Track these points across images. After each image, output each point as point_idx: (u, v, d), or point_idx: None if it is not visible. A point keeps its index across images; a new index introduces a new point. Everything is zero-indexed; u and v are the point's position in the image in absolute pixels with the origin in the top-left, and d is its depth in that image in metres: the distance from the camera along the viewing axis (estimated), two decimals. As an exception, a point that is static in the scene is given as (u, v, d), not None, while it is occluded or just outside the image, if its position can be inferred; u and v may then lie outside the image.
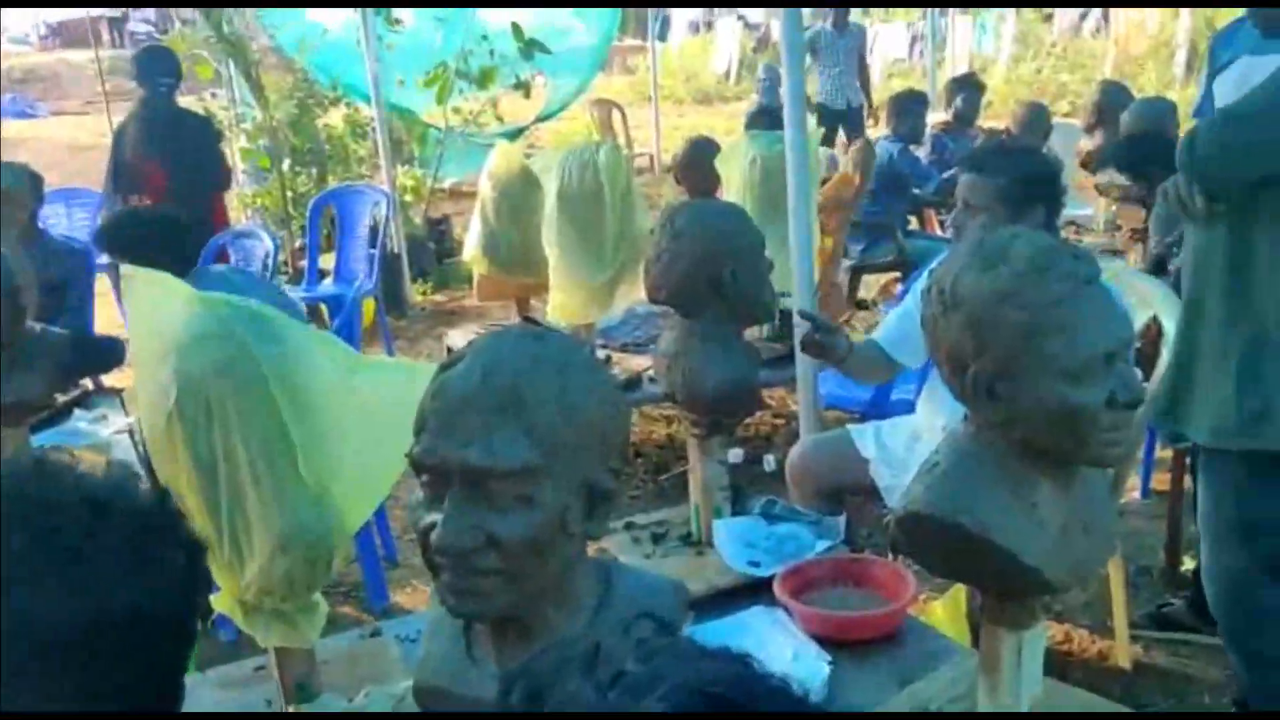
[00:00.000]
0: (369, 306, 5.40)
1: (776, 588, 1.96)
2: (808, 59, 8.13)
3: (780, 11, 3.05)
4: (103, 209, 5.23)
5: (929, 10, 9.13)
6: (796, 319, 2.97)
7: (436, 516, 1.09)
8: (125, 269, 1.80)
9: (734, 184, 3.93)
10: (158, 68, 5.02)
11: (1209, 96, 2.44)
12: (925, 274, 2.62)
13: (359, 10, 6.33)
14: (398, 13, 7.20)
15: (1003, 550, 1.37)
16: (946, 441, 1.47)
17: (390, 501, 3.30)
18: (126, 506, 0.88)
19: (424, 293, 6.87)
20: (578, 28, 9.29)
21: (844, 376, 3.53)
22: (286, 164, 6.62)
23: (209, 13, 6.32)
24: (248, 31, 6.89)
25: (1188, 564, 3.03)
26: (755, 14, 22.81)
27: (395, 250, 6.35)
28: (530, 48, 6.84)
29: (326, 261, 5.85)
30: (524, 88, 7.43)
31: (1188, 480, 2.88)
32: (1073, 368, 1.31)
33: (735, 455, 2.86)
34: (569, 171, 3.51)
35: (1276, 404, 1.95)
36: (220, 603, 1.82)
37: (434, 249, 7.23)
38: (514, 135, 8.22)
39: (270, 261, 4.39)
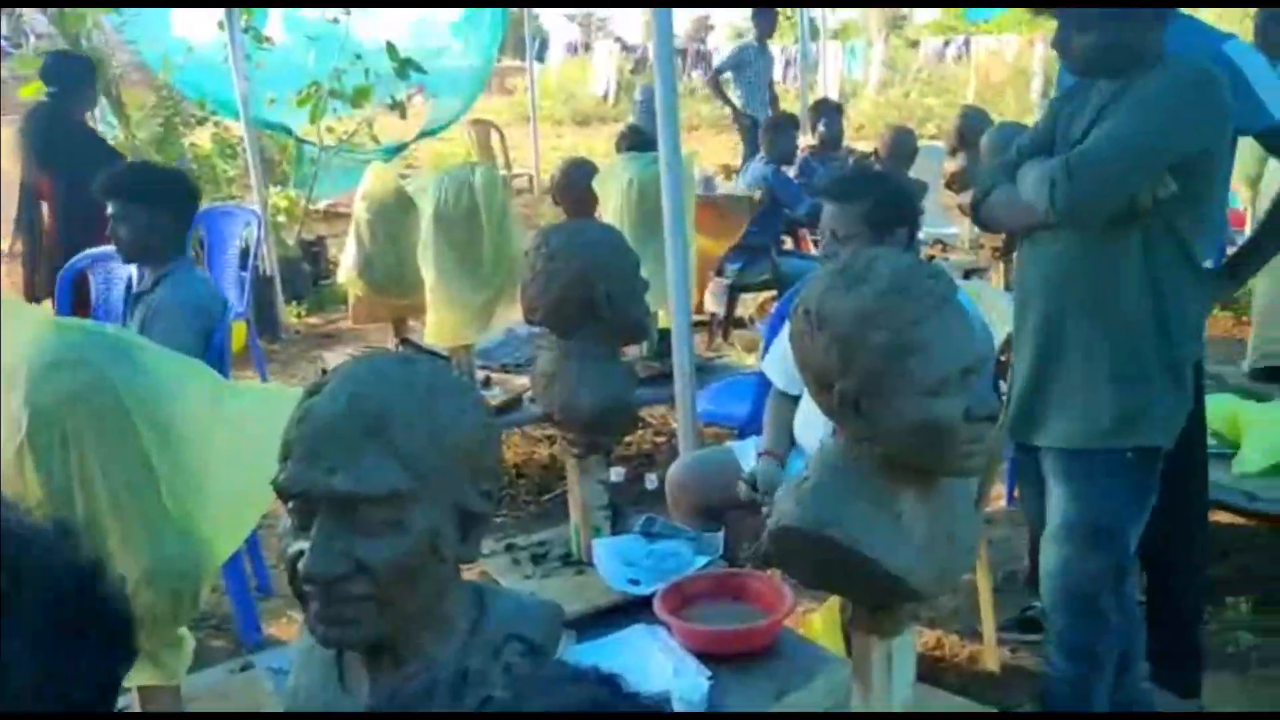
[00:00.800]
0: (240, 330, 5.24)
1: (656, 605, 1.97)
2: (728, 74, 8.34)
3: (653, 37, 3.10)
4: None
5: (802, 35, 9.35)
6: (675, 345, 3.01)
7: (304, 544, 1.07)
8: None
9: (611, 205, 3.96)
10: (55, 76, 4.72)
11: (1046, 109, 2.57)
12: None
13: (225, 27, 6.17)
14: (268, 29, 7.05)
15: (869, 561, 1.41)
16: (816, 456, 1.51)
17: (264, 529, 3.21)
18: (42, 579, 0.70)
19: (299, 315, 6.71)
20: (454, 48, 9.24)
21: (719, 393, 3.63)
22: (150, 184, 6.38)
23: (64, 27, 6.08)
24: (106, 47, 6.65)
25: (1050, 568, 3.16)
26: (633, 36, 23.04)
27: (268, 272, 6.19)
28: (405, 67, 6.77)
29: (194, 284, 5.65)
30: (399, 107, 7.35)
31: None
32: (932, 383, 1.37)
33: (616, 474, 2.87)
34: (445, 192, 3.48)
35: (1150, 403, 2.06)
36: (79, 642, 1.75)
37: (309, 271, 7.07)
38: (394, 152, 8.11)
39: (134, 286, 4.22)
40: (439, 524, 1.10)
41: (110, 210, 2.94)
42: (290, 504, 1.09)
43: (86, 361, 1.66)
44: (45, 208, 4.74)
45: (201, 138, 7.16)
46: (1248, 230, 3.71)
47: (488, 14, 8.93)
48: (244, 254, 5.49)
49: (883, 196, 2.42)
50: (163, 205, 2.94)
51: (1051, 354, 2.11)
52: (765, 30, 8.54)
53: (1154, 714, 2.33)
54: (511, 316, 3.79)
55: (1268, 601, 2.95)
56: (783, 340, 2.77)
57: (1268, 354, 3.26)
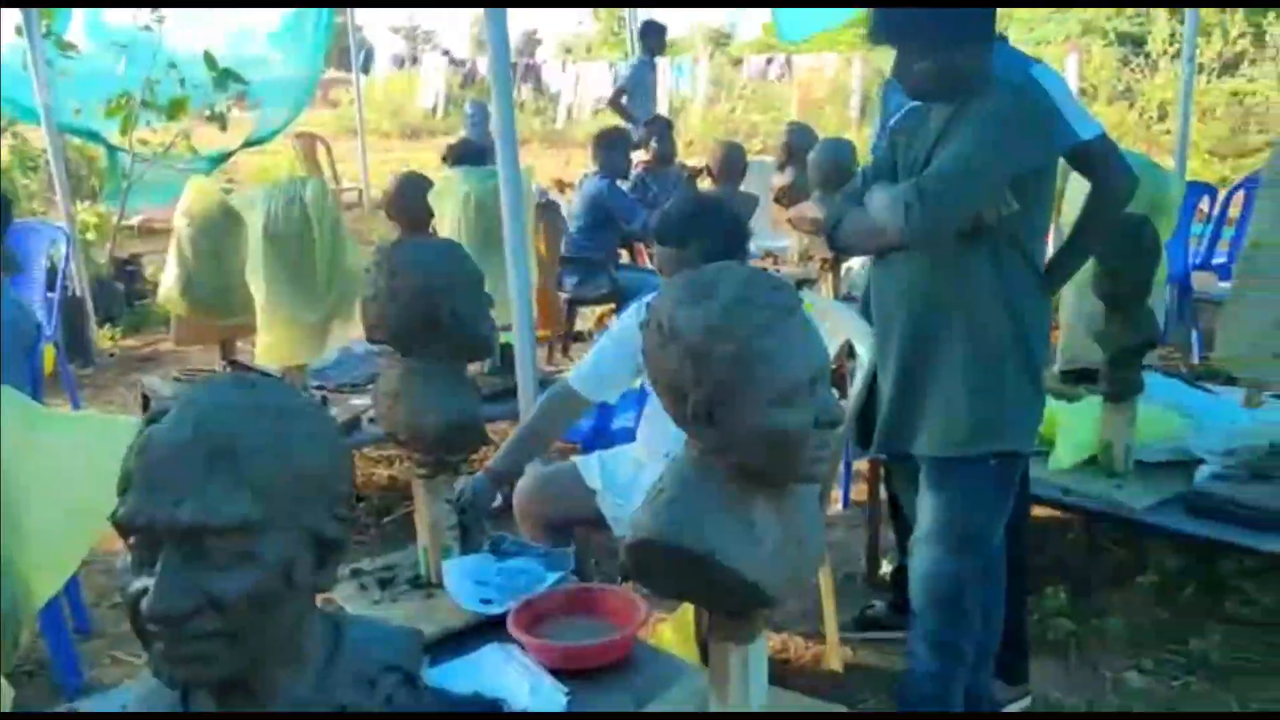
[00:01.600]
0: (49, 354, 4.92)
1: (510, 624, 1.95)
2: (625, 97, 8.28)
3: (488, 48, 3.08)
4: None
5: (631, 52, 9.46)
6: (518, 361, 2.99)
7: (148, 581, 1.01)
8: None
9: (447, 219, 3.91)
10: None
11: (882, 138, 2.69)
12: (631, 311, 2.72)
13: (24, 33, 5.79)
14: (71, 36, 6.66)
15: (726, 569, 1.43)
16: (670, 468, 1.52)
17: (82, 565, 3.01)
18: None
19: (113, 338, 6.36)
20: (274, 58, 8.97)
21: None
22: (-58, 199, 5.94)
23: None
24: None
25: (885, 567, 3.29)
26: (460, 49, 22.80)
27: (77, 293, 5.84)
28: (225, 77, 6.52)
29: (-5, 307, 5.29)
30: (219, 119, 7.06)
31: (883, 490, 3.13)
32: (780, 393, 1.40)
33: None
34: (274, 208, 3.36)
35: (1008, 409, 2.18)
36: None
37: (123, 290, 6.71)
38: (216, 164, 7.78)
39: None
40: (293, 553, 1.06)
41: None
42: (132, 539, 1.03)
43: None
44: None
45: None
46: (1051, 241, 3.96)
47: (310, 25, 8.70)
48: (51, 274, 5.17)
49: (710, 237, 2.41)
50: None
51: (916, 366, 2.21)
52: (656, 46, 8.64)
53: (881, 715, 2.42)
54: (348, 335, 3.70)
55: (1082, 590, 3.16)
56: (595, 352, 2.75)
57: (1075, 358, 3.48)
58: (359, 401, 3.60)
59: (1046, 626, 2.96)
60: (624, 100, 8.39)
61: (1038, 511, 3.01)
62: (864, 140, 7.54)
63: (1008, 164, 2.07)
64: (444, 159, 5.66)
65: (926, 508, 2.25)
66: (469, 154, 5.29)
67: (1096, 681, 2.78)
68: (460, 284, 2.11)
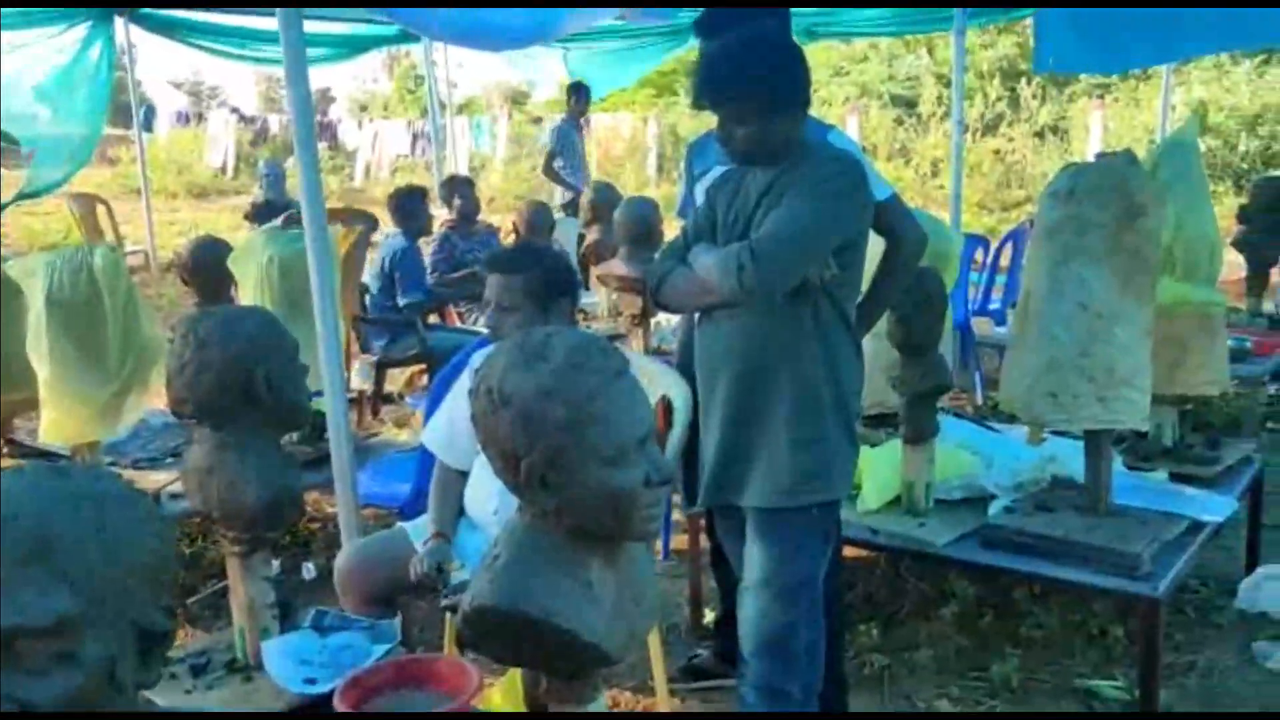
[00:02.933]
0: None
1: (337, 702, 1.88)
2: (558, 160, 8.05)
3: (283, 105, 3.02)
4: None
5: (431, 109, 9.44)
6: (331, 427, 2.92)
7: (-49, 693, 0.94)
8: None
9: (249, 283, 3.77)
10: None
11: (690, 199, 2.79)
12: (465, 372, 2.71)
13: None
14: None
15: (565, 631, 1.44)
16: (504, 533, 1.52)
17: None
18: None
19: None
20: (42, 114, 8.46)
21: (379, 472, 3.54)
22: None
23: None
24: None
25: (708, 616, 3.35)
26: (249, 107, 22.13)
27: None
28: (-3, 139, 6.10)
29: None
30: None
31: (703, 540, 3.20)
32: (611, 454, 1.43)
33: (309, 570, 2.72)
34: (58, 276, 3.16)
35: (829, 460, 2.28)
36: None
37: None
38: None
39: None
40: (116, 649, 1.00)
41: None
42: (-68, 647, 0.95)
43: None
44: None
45: None
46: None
47: (83, 80, 8.27)
48: None
49: (545, 270, 2.52)
50: None
51: (741, 420, 2.29)
52: (582, 108, 8.58)
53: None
54: (142, 407, 3.49)
55: (891, 624, 3.31)
56: (445, 413, 2.77)
57: (875, 403, 3.67)
58: (157, 477, 3.41)
59: (862, 661, 3.08)
60: (557, 164, 8.19)
61: (847, 551, 3.14)
62: (662, 198, 7.74)
63: (836, 229, 2.20)
64: (246, 217, 5.47)
65: (754, 557, 2.32)
66: (272, 214, 5.14)
67: (910, 712, 2.91)
68: (274, 352, 2.05)
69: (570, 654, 1.46)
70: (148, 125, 12.19)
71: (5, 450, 3.79)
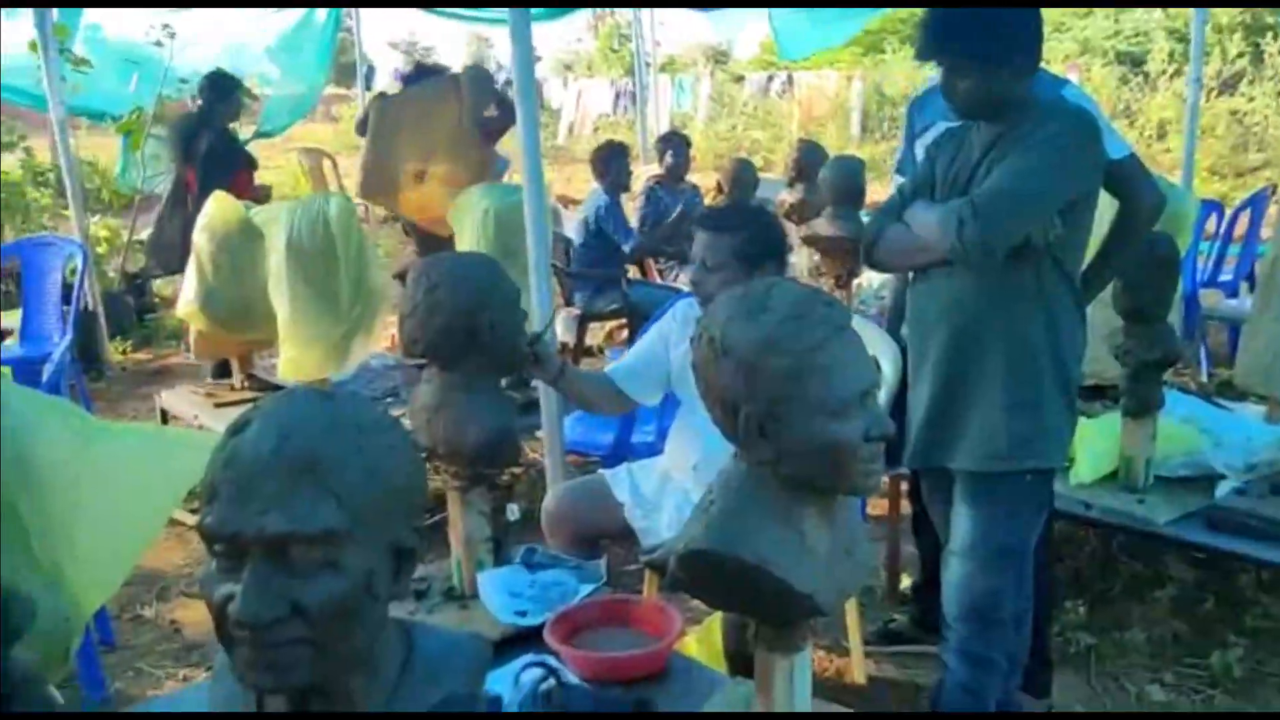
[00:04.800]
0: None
1: (547, 635, 1.96)
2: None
3: (492, 63, 3.11)
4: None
5: (637, 68, 9.53)
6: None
7: (234, 588, 1.03)
8: None
9: (466, 235, 3.94)
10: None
11: (909, 156, 2.73)
12: (667, 316, 2.75)
13: (38, 49, 5.83)
14: (83, 51, 6.70)
15: (778, 580, 1.45)
16: (719, 480, 1.54)
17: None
18: None
19: (123, 352, 6.37)
20: (272, 73, 9.03)
21: (581, 421, 3.64)
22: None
23: None
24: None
25: (905, 581, 3.31)
26: (459, 66, 22.81)
27: (90, 307, 5.86)
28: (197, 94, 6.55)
29: (8, 320, 5.31)
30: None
31: (906, 505, 3.15)
32: (833, 406, 1.42)
33: (512, 511, 2.85)
34: (298, 224, 3.39)
35: (1046, 426, 2.21)
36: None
37: (133, 305, 6.72)
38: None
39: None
40: (374, 563, 1.08)
41: None
42: (217, 547, 1.05)
43: (-57, 406, 1.55)
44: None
45: (9, 164, 6.72)
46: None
47: (309, 41, 8.76)
48: (65, 287, 5.19)
49: (755, 231, 2.50)
50: None
51: (955, 382, 2.24)
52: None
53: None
54: (368, 349, 3.72)
55: (1100, 603, 3.18)
56: (636, 347, 2.83)
57: (1092, 373, 3.51)
58: (379, 415, 3.62)
59: (1067, 640, 2.98)
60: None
61: (1056, 525, 3.03)
62: (866, 158, 7.57)
63: (1063, 188, 2.11)
64: None
65: (962, 521, 2.27)
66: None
67: (1119, 695, 2.80)
68: (498, 298, 2.13)
69: (782, 603, 1.48)
70: (368, 84, 12.82)
71: (246, 384, 4.10)
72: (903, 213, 2.26)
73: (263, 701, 1.16)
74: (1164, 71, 14.52)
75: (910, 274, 2.41)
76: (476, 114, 5.23)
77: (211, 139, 5.34)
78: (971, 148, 2.18)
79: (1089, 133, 2.14)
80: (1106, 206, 2.37)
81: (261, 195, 5.43)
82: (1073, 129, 2.12)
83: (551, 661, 1.85)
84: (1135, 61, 15.70)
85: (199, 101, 5.55)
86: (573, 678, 1.81)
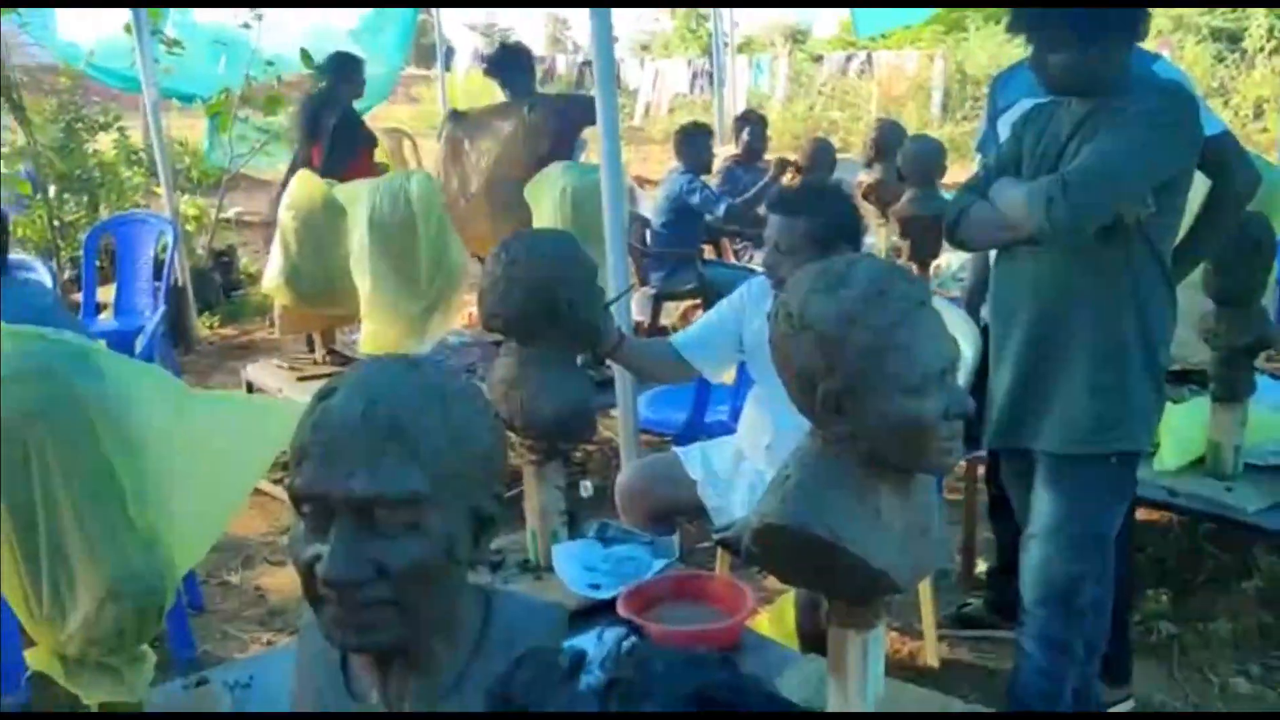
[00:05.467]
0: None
1: (620, 607, 1.99)
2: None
3: (567, 46, 3.12)
4: None
5: (714, 48, 9.48)
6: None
7: (321, 549, 1.07)
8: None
9: (544, 214, 3.96)
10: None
11: (991, 134, 2.68)
12: (740, 290, 2.74)
13: (133, 30, 6.00)
14: (174, 34, 6.87)
15: (853, 555, 1.45)
16: (795, 456, 1.54)
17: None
18: None
19: (210, 326, 6.55)
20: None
21: (655, 400, 3.66)
22: (52, 191, 6.18)
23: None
24: (5, 49, 6.41)
25: (981, 566, 3.27)
26: (537, 48, 22.91)
27: (179, 283, 6.03)
28: (320, 74, 6.66)
29: (103, 295, 5.50)
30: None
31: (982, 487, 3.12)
32: (913, 383, 1.41)
33: (585, 489, 2.88)
34: (380, 200, 3.45)
35: (1132, 409, 2.17)
36: (37, 659, 1.70)
37: (219, 281, 6.91)
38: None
39: (46, 296, 4.09)
40: (455, 528, 1.10)
41: None
42: (305, 508, 1.09)
43: (48, 372, 1.61)
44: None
45: (104, 144, 6.93)
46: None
47: (390, 22, 8.87)
48: (156, 264, 5.36)
49: (829, 215, 2.45)
50: None
51: (1039, 363, 2.20)
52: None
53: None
54: (447, 326, 3.78)
55: (1184, 593, 3.11)
56: (704, 318, 2.84)
57: (1177, 357, 3.42)
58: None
59: (1148, 628, 2.92)
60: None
61: (1138, 512, 2.97)
62: (946, 139, 7.45)
63: (1159, 165, 2.06)
64: None
65: (1043, 504, 2.24)
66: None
67: (1202, 686, 2.74)
68: (576, 274, 2.16)
69: (857, 579, 1.48)
70: (447, 65, 12.95)
71: (327, 359, 4.19)
72: (987, 190, 2.22)
73: (348, 661, 1.20)
74: (1261, 48, 14.00)
75: (993, 253, 2.37)
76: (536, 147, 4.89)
77: (336, 118, 5.41)
78: (1061, 124, 2.13)
79: (1186, 108, 2.08)
80: (1199, 185, 2.31)
81: (381, 174, 5.54)
82: (1170, 104, 2.06)
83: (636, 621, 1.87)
84: (1231, 38, 15.16)
85: (321, 83, 5.65)
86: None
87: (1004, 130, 2.41)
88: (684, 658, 0.59)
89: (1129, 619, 2.67)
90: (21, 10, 6.64)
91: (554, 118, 4.79)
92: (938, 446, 1.43)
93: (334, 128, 5.33)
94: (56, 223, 6.19)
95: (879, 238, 5.62)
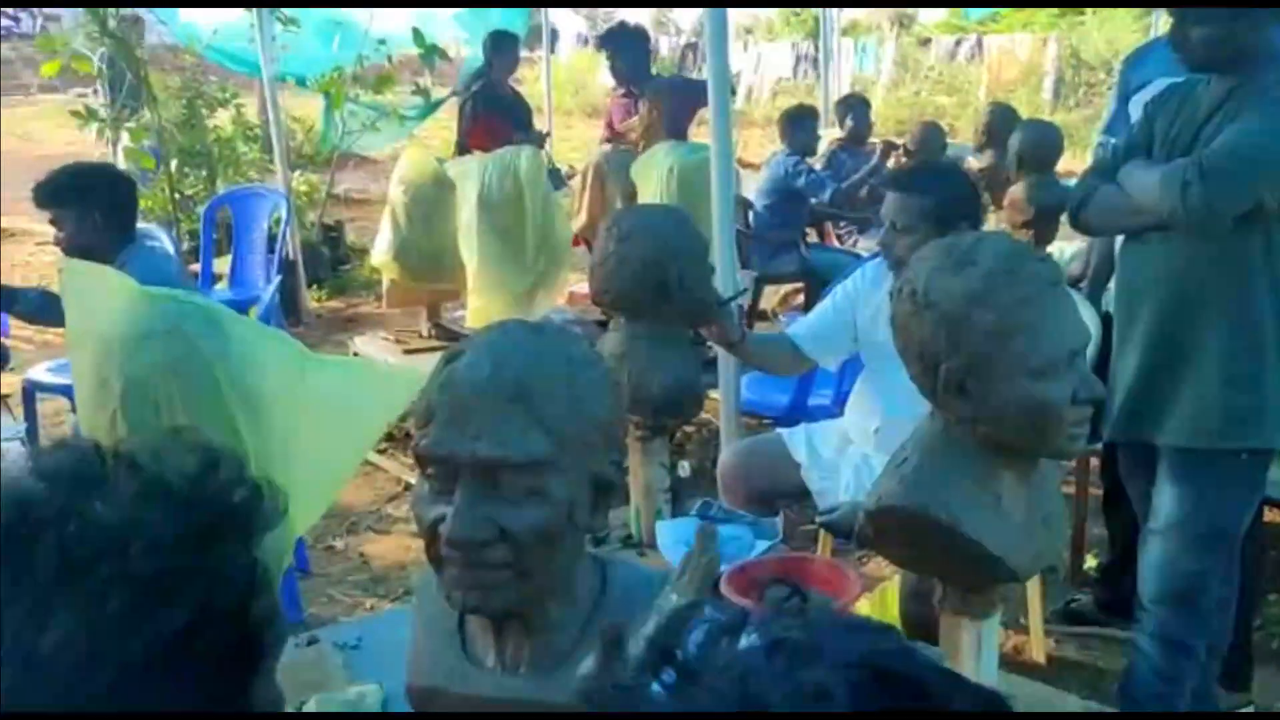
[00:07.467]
0: (251, 314, 5.25)
1: (723, 587, 1.97)
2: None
3: (670, 28, 3.10)
4: None
5: (821, 32, 9.35)
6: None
7: (445, 509, 1.08)
8: (66, 262, 1.73)
9: (650, 192, 3.96)
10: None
11: (1121, 116, 2.58)
12: (855, 275, 2.70)
13: (255, 10, 6.17)
14: (292, 13, 7.03)
15: (971, 541, 1.42)
16: (914, 437, 1.51)
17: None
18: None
19: (319, 299, 6.71)
20: (461, 37, 9.26)
21: (759, 373, 3.63)
22: (174, 165, 6.40)
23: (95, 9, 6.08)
24: (135, 28, 6.64)
25: (1090, 562, 3.18)
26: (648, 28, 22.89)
27: (291, 256, 6.19)
28: (431, 53, 6.77)
29: (219, 266, 5.68)
30: (424, 94, 7.34)
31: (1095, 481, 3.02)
32: (1040, 365, 1.37)
33: (683, 469, 2.88)
34: (489, 177, 3.49)
35: (1266, 404, 2.09)
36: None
37: (328, 255, 7.07)
38: (427, 113, 8.05)
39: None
40: (575, 494, 1.11)
41: (50, 218, 2.95)
42: (430, 469, 1.10)
43: (179, 332, 1.67)
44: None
45: (222, 120, 7.15)
46: None
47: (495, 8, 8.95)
48: (270, 237, 5.51)
49: (948, 193, 2.40)
50: (86, 205, 2.89)
51: (1167, 352, 2.13)
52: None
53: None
54: (551, 302, 3.80)
55: (1309, 600, 2.97)
56: (820, 306, 2.81)
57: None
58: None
59: (1271, 634, 2.80)
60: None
61: (1267, 514, 2.85)
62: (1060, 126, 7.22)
63: None
64: None
65: (1166, 499, 2.15)
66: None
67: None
68: (687, 251, 2.15)
69: (974, 565, 1.45)
70: (553, 48, 13.03)
71: (433, 333, 4.26)
72: (1115, 173, 2.13)
73: (464, 624, 1.21)
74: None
75: (1120, 238, 2.29)
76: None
77: (493, 92, 5.70)
78: (1198, 104, 2.04)
79: None
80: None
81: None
82: None
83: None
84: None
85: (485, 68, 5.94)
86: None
87: (1135, 111, 2.32)
88: (852, 622, 0.57)
89: (1251, 622, 2.56)
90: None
91: (668, 98, 4.82)
92: (1064, 432, 1.39)
93: (496, 106, 5.60)
94: (177, 195, 6.41)
95: (989, 223, 5.48)
